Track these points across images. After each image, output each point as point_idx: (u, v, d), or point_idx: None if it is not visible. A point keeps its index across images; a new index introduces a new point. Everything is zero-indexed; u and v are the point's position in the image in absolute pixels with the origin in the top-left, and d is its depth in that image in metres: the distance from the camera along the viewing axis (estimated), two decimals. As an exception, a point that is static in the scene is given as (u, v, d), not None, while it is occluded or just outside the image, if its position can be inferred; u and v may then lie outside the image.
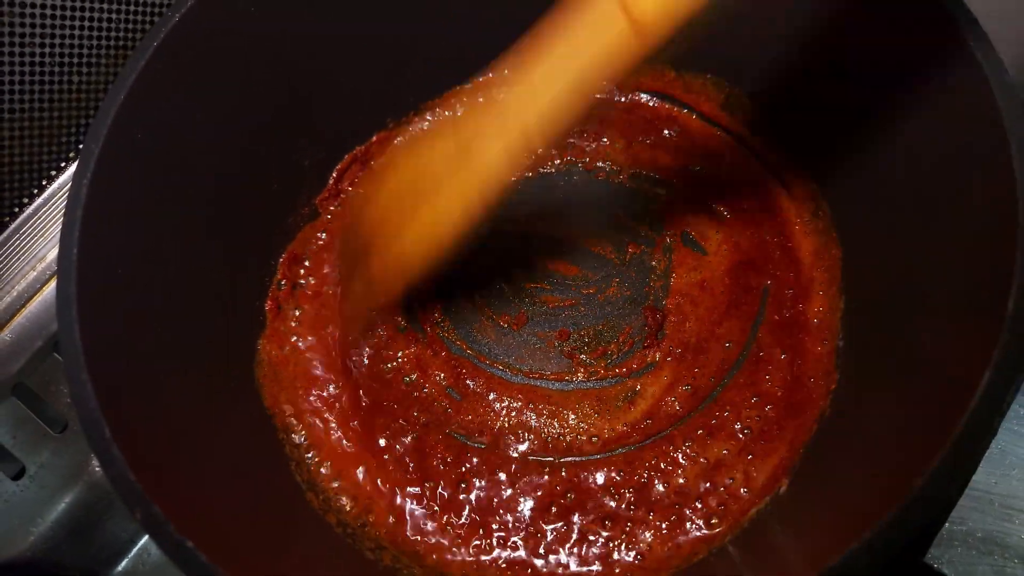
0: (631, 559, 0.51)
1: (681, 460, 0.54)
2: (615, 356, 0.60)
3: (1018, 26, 0.53)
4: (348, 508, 0.54)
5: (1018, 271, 0.37)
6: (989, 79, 0.41)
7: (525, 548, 0.53)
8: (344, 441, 0.58)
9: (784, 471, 0.51)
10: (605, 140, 0.67)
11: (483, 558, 0.52)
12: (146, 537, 0.67)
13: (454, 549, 0.53)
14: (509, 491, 0.55)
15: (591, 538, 0.52)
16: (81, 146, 0.67)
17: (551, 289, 0.63)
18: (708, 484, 0.53)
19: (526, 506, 0.54)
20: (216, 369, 0.54)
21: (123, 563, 0.66)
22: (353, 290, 0.58)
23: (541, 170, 0.67)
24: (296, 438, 0.57)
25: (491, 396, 0.59)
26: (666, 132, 0.66)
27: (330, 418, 0.58)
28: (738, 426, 0.55)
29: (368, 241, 0.53)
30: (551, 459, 0.56)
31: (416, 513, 0.54)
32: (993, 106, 0.40)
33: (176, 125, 0.52)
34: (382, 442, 0.57)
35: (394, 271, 0.52)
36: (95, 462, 0.66)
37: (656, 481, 0.54)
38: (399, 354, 0.61)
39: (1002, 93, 0.40)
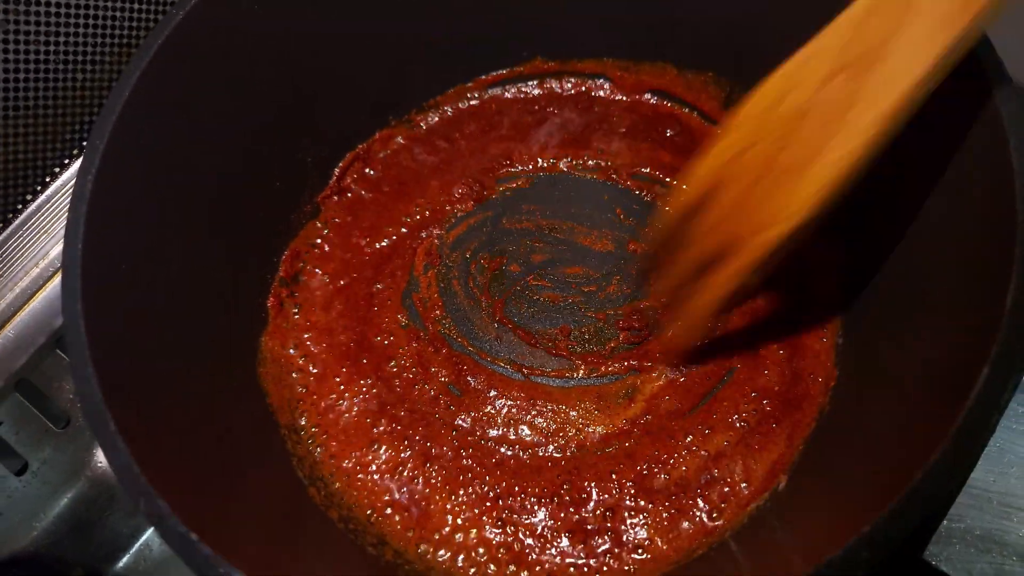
0: (631, 553, 0.52)
1: (681, 456, 0.55)
2: (615, 353, 0.60)
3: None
4: (350, 503, 0.55)
5: (1016, 268, 0.37)
6: (989, 77, 0.41)
7: (526, 541, 0.53)
8: (345, 437, 0.58)
9: (783, 466, 0.52)
10: (607, 139, 0.67)
11: (484, 551, 0.53)
12: (147, 533, 0.67)
13: (456, 543, 0.53)
14: (510, 486, 0.55)
15: (592, 531, 0.53)
16: (85, 143, 0.68)
17: (552, 287, 0.64)
18: (708, 478, 0.53)
19: (527, 500, 0.54)
20: (219, 365, 0.55)
21: (125, 559, 0.66)
22: (706, 285, 0.46)
23: (542, 171, 0.67)
24: (298, 434, 0.57)
25: (492, 393, 0.59)
26: (668, 131, 0.66)
27: (331, 414, 0.59)
28: (737, 421, 0.55)
29: (722, 220, 0.43)
30: (552, 454, 0.56)
31: (418, 508, 0.55)
32: (991, 104, 0.40)
33: (179, 122, 0.52)
34: (384, 438, 0.58)
35: (774, 241, 0.41)
36: (97, 458, 0.67)
37: (656, 476, 0.54)
38: (400, 350, 0.61)
39: (1000, 91, 0.41)
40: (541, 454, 0.56)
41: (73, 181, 0.67)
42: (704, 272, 0.45)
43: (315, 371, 0.60)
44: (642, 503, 0.53)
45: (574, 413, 0.58)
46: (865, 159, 0.38)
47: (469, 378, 0.60)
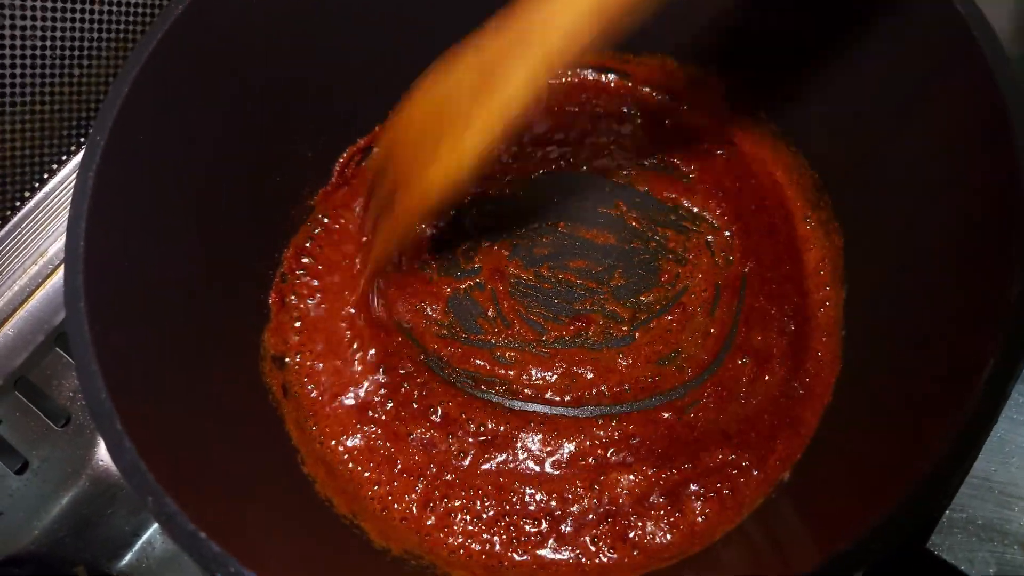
0: (638, 547, 0.52)
1: (685, 449, 0.55)
2: (616, 345, 0.60)
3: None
4: (356, 500, 0.55)
5: (1022, 259, 0.37)
6: (992, 69, 0.41)
7: (535, 536, 0.53)
8: (348, 433, 0.58)
9: (790, 459, 0.52)
10: (608, 132, 0.67)
11: (496, 548, 0.53)
12: (150, 531, 0.67)
13: (465, 538, 0.53)
14: (517, 482, 0.55)
15: (595, 525, 0.53)
16: (82, 140, 0.67)
17: (555, 280, 0.64)
18: (715, 472, 0.53)
19: (534, 495, 0.55)
20: (221, 362, 0.54)
21: (127, 557, 0.66)
22: (381, 229, 0.58)
23: (543, 165, 0.67)
24: (302, 430, 0.57)
25: (496, 387, 0.60)
26: (668, 124, 0.66)
27: (335, 410, 0.59)
28: (743, 414, 0.55)
29: (395, 178, 0.54)
30: (555, 449, 0.57)
31: (422, 503, 0.55)
32: (997, 95, 0.41)
33: (179, 117, 0.52)
34: (387, 434, 0.58)
35: (421, 202, 0.52)
36: (98, 455, 0.67)
37: (663, 470, 0.54)
38: (404, 345, 0.61)
39: (1005, 81, 0.41)
40: (545, 449, 0.57)
41: (70, 178, 0.67)
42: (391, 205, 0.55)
43: (317, 367, 0.60)
44: (651, 498, 0.53)
45: (577, 410, 0.58)
46: (485, 148, 0.48)
47: (474, 371, 0.60)
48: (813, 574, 0.35)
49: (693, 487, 0.53)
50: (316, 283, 0.63)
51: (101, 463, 0.66)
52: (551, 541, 0.53)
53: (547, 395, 0.59)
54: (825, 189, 0.59)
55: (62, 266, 0.65)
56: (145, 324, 0.48)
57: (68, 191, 0.67)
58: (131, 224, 0.48)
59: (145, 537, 0.67)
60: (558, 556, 0.52)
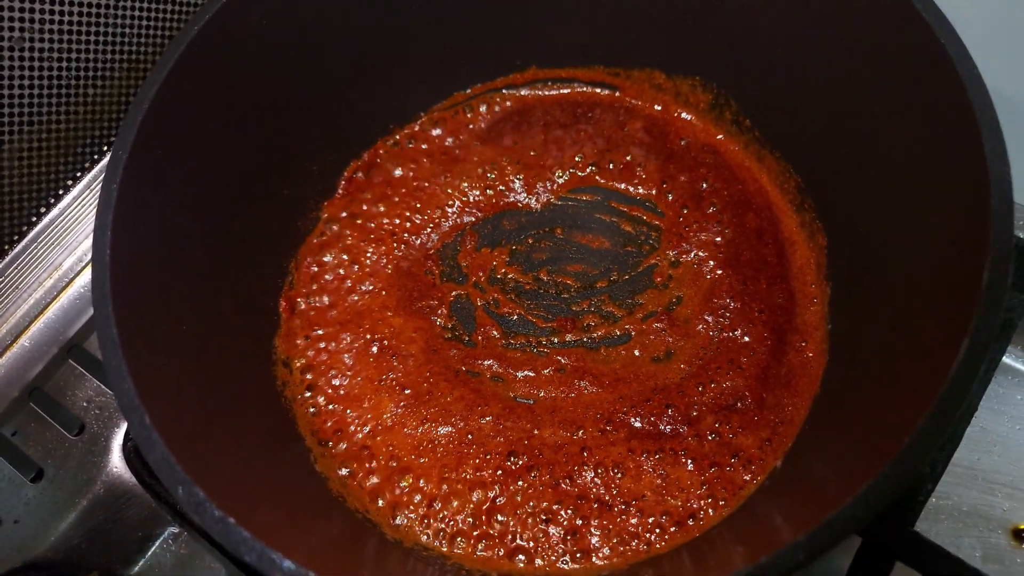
0: (638, 535, 0.54)
1: (676, 439, 0.57)
2: (613, 344, 0.63)
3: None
4: (366, 497, 0.56)
5: (991, 248, 0.40)
6: (960, 74, 0.44)
7: (539, 526, 0.55)
8: (356, 434, 0.60)
9: (782, 448, 0.54)
10: (601, 143, 0.70)
11: (503, 538, 0.55)
12: (162, 537, 0.68)
13: (472, 530, 0.55)
14: (521, 473, 0.57)
15: (600, 517, 0.54)
16: (96, 157, 0.70)
17: (553, 283, 0.66)
18: (710, 461, 0.55)
19: (537, 486, 0.56)
20: (235, 365, 0.56)
21: (140, 562, 0.67)
22: None
23: (540, 175, 0.70)
24: (313, 430, 0.59)
25: (499, 386, 0.62)
26: (656, 133, 0.69)
27: (343, 410, 0.60)
28: (736, 407, 0.57)
29: None
30: (546, 440, 0.58)
31: (434, 499, 0.56)
32: (966, 103, 0.43)
33: (195, 133, 0.54)
34: (395, 433, 0.59)
35: None
36: (111, 463, 0.68)
37: (662, 462, 0.56)
38: (409, 349, 0.63)
39: (973, 89, 0.43)
40: (547, 440, 0.58)
41: (84, 194, 0.69)
42: None
43: (325, 370, 0.62)
44: (645, 487, 0.55)
45: (576, 405, 0.60)
46: None
47: (477, 371, 0.62)
48: (800, 543, 0.37)
49: (688, 473, 0.55)
50: (323, 291, 0.65)
51: (115, 470, 0.68)
52: (555, 530, 0.54)
53: (548, 393, 0.61)
54: (808, 192, 0.62)
55: (77, 279, 0.68)
56: (164, 328, 0.50)
57: (82, 207, 0.69)
58: (149, 235, 0.50)
59: (158, 543, 0.68)
60: (562, 545, 0.54)
